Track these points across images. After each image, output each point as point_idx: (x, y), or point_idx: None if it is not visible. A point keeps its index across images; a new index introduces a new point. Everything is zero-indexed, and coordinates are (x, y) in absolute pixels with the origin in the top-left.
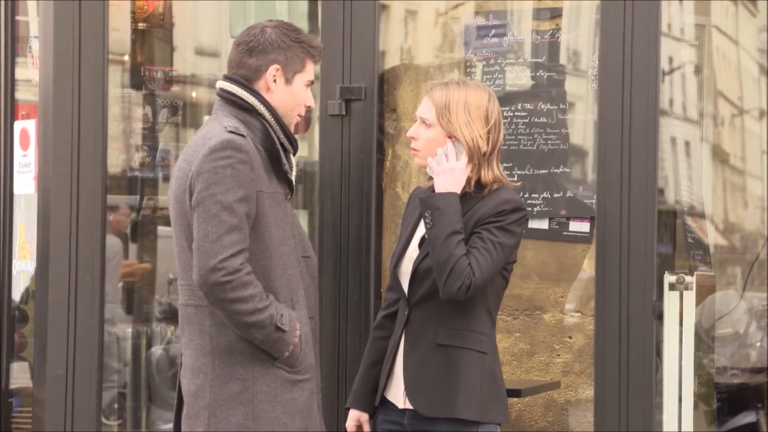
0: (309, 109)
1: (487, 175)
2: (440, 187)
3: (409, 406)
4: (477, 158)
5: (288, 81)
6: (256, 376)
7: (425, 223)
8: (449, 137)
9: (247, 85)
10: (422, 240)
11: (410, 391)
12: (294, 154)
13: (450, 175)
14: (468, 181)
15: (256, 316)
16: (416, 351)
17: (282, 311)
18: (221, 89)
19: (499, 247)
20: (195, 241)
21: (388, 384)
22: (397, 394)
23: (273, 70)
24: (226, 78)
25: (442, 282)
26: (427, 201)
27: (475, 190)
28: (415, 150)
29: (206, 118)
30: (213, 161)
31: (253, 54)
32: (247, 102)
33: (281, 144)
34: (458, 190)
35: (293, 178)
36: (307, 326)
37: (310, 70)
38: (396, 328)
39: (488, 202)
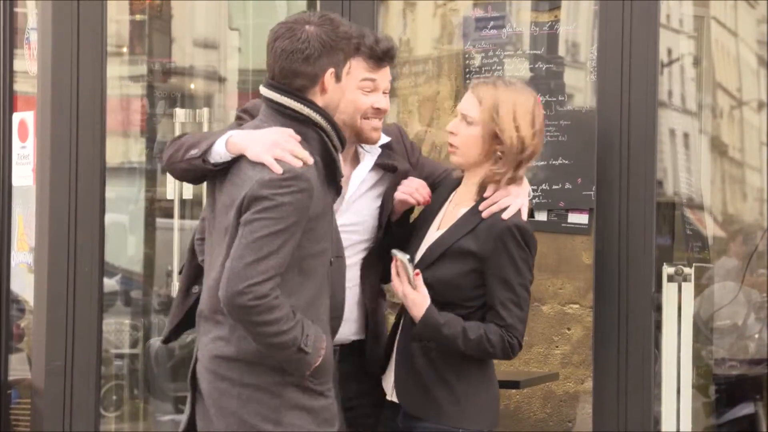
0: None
1: (515, 179)
2: (416, 314)
3: (395, 399)
4: (516, 160)
5: (338, 79)
6: (281, 384)
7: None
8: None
9: (299, 95)
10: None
11: (398, 388)
12: (342, 151)
13: (410, 301)
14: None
15: (279, 338)
16: (408, 349)
17: (309, 331)
18: (271, 100)
19: (524, 288)
20: (230, 258)
21: (387, 374)
22: (387, 385)
23: (329, 74)
24: (274, 88)
25: (496, 357)
26: (419, 334)
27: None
28: (452, 146)
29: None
30: (272, 188)
31: (309, 61)
32: (302, 114)
33: (334, 146)
34: (428, 302)
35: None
36: (331, 342)
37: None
38: (394, 321)
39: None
